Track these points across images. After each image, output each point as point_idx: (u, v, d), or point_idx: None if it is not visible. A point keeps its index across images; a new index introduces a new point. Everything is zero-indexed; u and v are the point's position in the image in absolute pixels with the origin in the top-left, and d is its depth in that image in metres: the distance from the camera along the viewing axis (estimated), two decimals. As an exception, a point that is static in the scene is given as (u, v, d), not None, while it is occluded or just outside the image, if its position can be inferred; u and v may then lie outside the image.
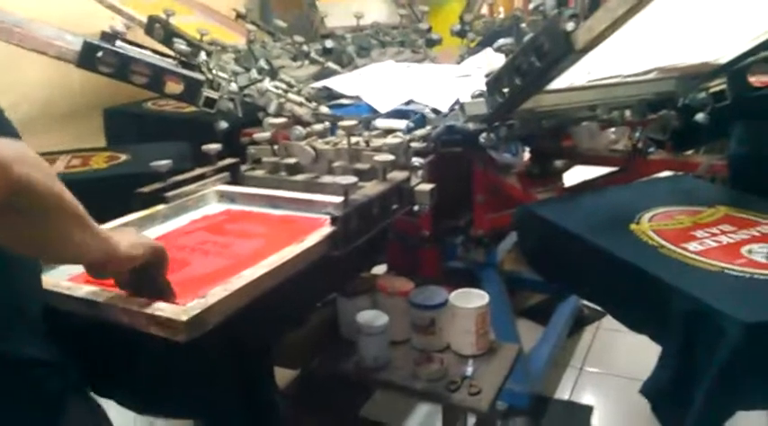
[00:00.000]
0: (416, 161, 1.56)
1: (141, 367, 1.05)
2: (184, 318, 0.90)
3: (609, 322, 2.67)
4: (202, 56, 1.99)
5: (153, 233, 1.37)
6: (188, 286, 1.08)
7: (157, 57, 1.96)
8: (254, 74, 2.03)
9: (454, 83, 2.13)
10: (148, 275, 0.98)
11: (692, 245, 1.27)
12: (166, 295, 0.99)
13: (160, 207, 1.45)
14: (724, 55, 1.62)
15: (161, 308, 0.94)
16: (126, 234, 0.94)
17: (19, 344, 0.85)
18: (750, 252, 1.24)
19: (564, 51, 1.23)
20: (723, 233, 1.32)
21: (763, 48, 1.64)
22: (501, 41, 1.56)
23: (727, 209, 1.43)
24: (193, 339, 0.92)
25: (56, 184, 0.76)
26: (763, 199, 1.47)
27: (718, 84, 1.76)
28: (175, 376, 1.04)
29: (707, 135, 2.01)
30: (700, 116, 1.77)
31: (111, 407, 1.08)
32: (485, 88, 1.55)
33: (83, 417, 0.94)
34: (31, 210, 0.73)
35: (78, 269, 1.14)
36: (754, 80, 1.77)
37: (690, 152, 2.15)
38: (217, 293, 0.98)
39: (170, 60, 1.97)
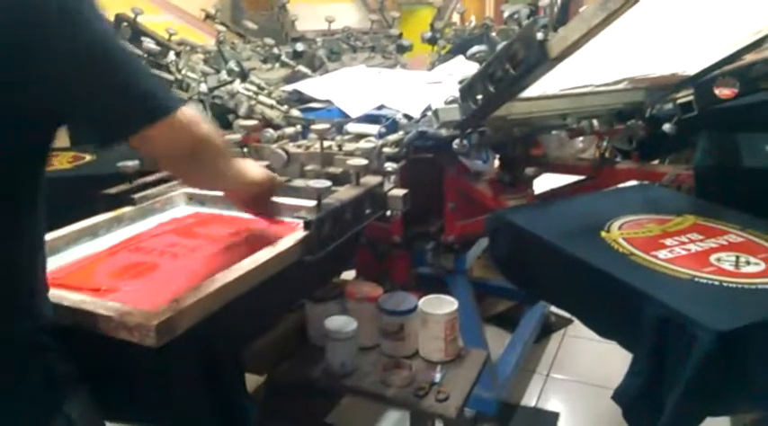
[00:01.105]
0: (389, 166, 1.55)
1: (108, 372, 1.01)
2: (155, 322, 0.89)
3: (575, 329, 2.72)
4: (171, 56, 1.96)
5: (119, 236, 1.34)
6: (157, 290, 1.06)
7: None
8: (223, 75, 2.00)
9: (425, 89, 2.13)
10: (265, 198, 1.27)
11: (662, 253, 1.28)
12: (277, 213, 1.34)
13: (127, 209, 1.42)
14: (692, 67, 1.66)
15: (130, 313, 0.92)
16: (253, 164, 1.25)
17: (28, 329, 0.87)
18: (719, 260, 1.25)
19: (538, 59, 1.23)
20: (692, 241, 1.34)
21: (729, 61, 1.68)
22: (475, 49, 1.57)
23: (696, 218, 1.45)
24: (163, 344, 0.90)
25: (218, 134, 1.03)
26: (730, 208, 1.50)
27: (685, 96, 1.79)
28: (144, 381, 1.02)
29: (673, 145, 2.06)
30: (667, 126, 1.81)
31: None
32: (458, 94, 1.55)
33: (88, 403, 0.94)
34: (212, 153, 1.01)
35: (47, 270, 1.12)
36: (719, 92, 1.81)
37: (656, 162, 2.19)
38: (188, 297, 0.95)
39: (137, 60, 1.93)
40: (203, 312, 0.97)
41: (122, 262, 1.20)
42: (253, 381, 2.10)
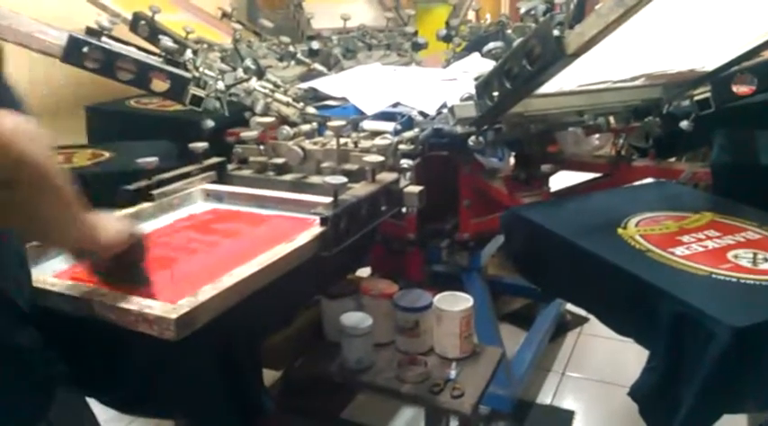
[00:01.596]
0: (405, 163, 1.56)
1: (126, 365, 1.03)
2: (174, 316, 0.89)
3: (591, 327, 2.71)
4: (188, 53, 1.97)
5: (139, 231, 1.36)
6: (176, 284, 1.07)
7: (143, 54, 1.94)
8: (240, 73, 2.01)
9: (441, 86, 2.13)
10: (128, 261, 0.99)
11: (679, 250, 1.28)
12: (143, 282, 1.01)
13: (146, 205, 1.43)
14: (710, 63, 1.65)
15: (150, 306, 0.93)
16: (110, 220, 0.95)
17: (7, 331, 0.85)
18: (736, 257, 1.25)
19: (555, 55, 1.23)
20: (709, 238, 1.33)
21: (746, 58, 1.67)
22: (491, 45, 1.57)
23: (713, 215, 1.44)
24: (182, 337, 0.91)
25: (51, 163, 0.75)
26: (748, 205, 1.49)
27: (703, 92, 1.78)
28: (161, 374, 1.03)
29: (690, 142, 2.04)
30: (684, 123, 1.80)
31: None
32: (474, 91, 1.55)
33: (71, 404, 0.95)
34: (25, 185, 0.72)
35: (64, 265, 1.13)
36: (737, 89, 1.80)
37: (672, 159, 2.18)
38: (207, 291, 0.96)
39: (155, 58, 1.95)
40: (222, 306, 0.98)
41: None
42: (269, 376, 2.12)
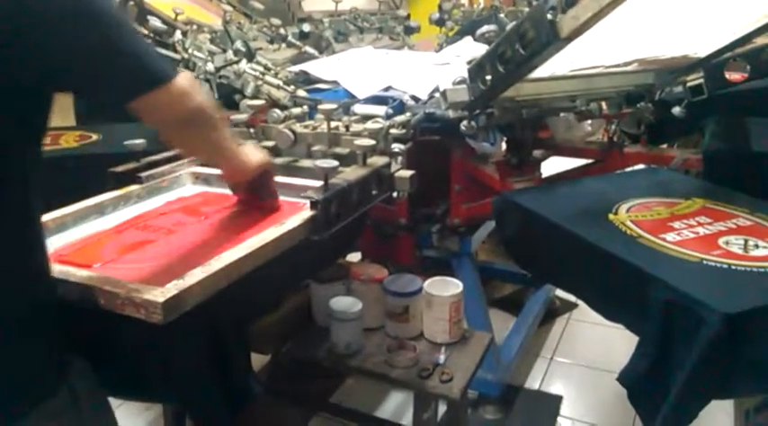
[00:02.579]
0: (396, 147, 1.54)
1: (114, 348, 1.02)
2: (161, 299, 0.88)
3: (580, 313, 2.73)
4: (177, 35, 1.94)
5: (127, 214, 1.34)
6: (164, 268, 1.05)
7: (131, 34, 1.91)
8: (230, 55, 1.98)
9: (433, 70, 2.11)
10: (263, 181, 1.28)
11: (671, 236, 1.28)
12: (273, 196, 1.33)
13: (134, 187, 1.41)
14: (703, 49, 1.64)
15: (137, 289, 0.91)
16: (254, 150, 1.26)
17: (28, 306, 0.87)
18: (727, 243, 1.25)
19: (549, 39, 1.22)
20: (700, 224, 1.33)
21: (739, 44, 1.66)
22: (484, 28, 1.55)
23: (704, 201, 1.44)
24: (170, 321, 0.90)
25: (216, 108, 1.05)
26: (739, 192, 1.49)
27: (696, 79, 1.78)
28: (150, 358, 1.02)
29: (682, 129, 2.04)
30: (676, 109, 1.79)
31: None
32: (466, 75, 1.53)
33: (92, 377, 0.96)
34: (205, 124, 1.03)
35: (51, 248, 1.12)
36: (729, 76, 1.79)
37: (664, 146, 2.18)
38: (195, 274, 0.95)
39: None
40: (210, 289, 0.97)
41: (129, 240, 1.20)
42: (258, 360, 2.12)
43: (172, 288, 0.91)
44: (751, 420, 1.77)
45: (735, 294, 1.07)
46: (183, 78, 0.94)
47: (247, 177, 1.24)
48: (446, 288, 1.64)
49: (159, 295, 0.89)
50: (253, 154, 1.23)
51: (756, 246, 1.23)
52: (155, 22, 1.98)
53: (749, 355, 1.03)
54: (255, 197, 1.32)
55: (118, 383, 1.05)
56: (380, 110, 1.77)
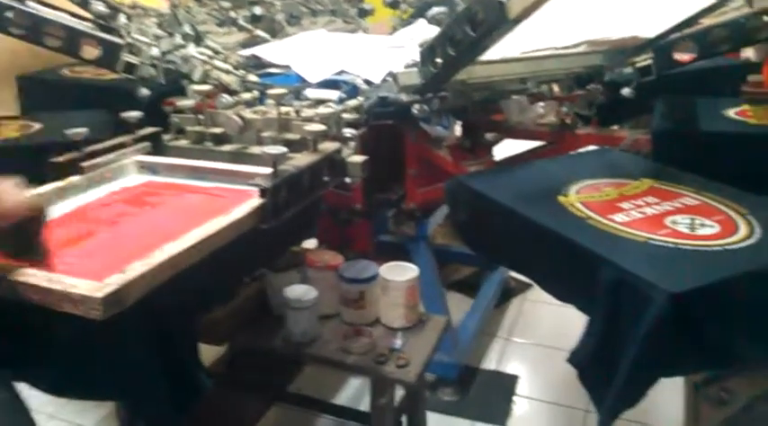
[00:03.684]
0: (348, 132, 1.52)
1: (57, 346, 0.99)
2: (100, 295, 0.86)
3: (534, 293, 2.76)
4: (122, 19, 1.88)
5: (67, 206, 1.30)
6: (106, 261, 1.02)
7: (74, 19, 1.84)
8: (177, 39, 1.93)
9: (387, 54, 2.09)
10: (25, 234, 0.96)
11: (619, 217, 1.29)
12: (41, 256, 0.97)
13: (75, 177, 1.36)
14: (652, 30, 1.65)
15: (75, 285, 0.88)
16: (9, 190, 0.93)
17: None
18: (674, 222, 1.26)
19: (498, 20, 1.21)
20: (648, 204, 1.34)
21: (687, 24, 1.68)
22: (435, 10, 1.53)
23: (653, 182, 1.46)
24: (111, 316, 0.87)
25: None
26: (686, 171, 1.51)
27: (644, 60, 1.79)
28: (93, 355, 0.99)
29: (632, 110, 2.06)
30: (626, 90, 1.81)
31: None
32: (418, 58, 1.52)
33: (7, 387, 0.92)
34: None
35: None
36: (678, 57, 1.81)
37: (615, 127, 2.20)
38: (136, 268, 0.92)
39: (87, 23, 1.85)
40: (152, 283, 0.94)
41: (69, 233, 1.16)
42: (212, 352, 2.10)
43: (112, 283, 0.88)
44: (701, 392, 1.81)
45: (681, 273, 1.09)
46: None
47: None
48: (402, 273, 1.64)
49: (98, 290, 0.86)
50: (9, 195, 0.93)
51: (702, 225, 1.25)
52: (97, 5, 1.91)
53: (695, 333, 1.05)
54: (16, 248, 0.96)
55: (59, 382, 1.02)
56: (333, 94, 1.74)
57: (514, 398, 2.24)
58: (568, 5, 1.27)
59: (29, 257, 0.96)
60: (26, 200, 0.95)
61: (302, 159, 1.35)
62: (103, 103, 1.96)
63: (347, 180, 1.50)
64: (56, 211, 1.27)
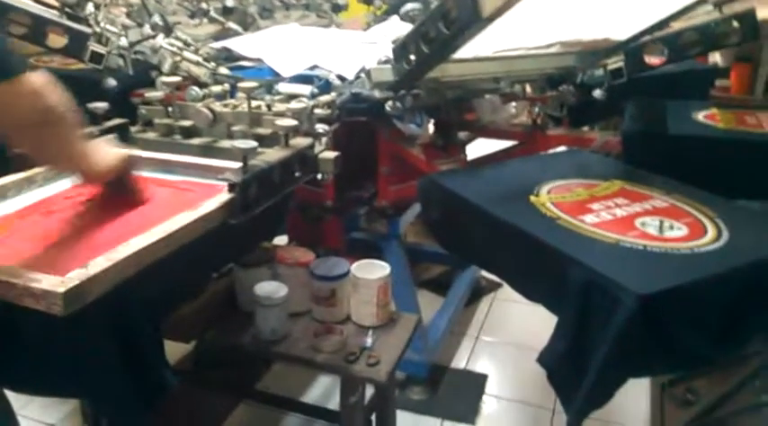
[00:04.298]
0: (321, 128, 1.51)
1: (17, 341, 0.96)
2: (62, 290, 0.83)
3: (505, 293, 2.78)
4: (90, 8, 1.83)
5: (30, 198, 1.27)
6: (69, 256, 0.99)
7: (39, 7, 1.79)
8: (146, 29, 1.89)
9: (360, 49, 2.08)
10: (123, 180, 1.22)
11: (589, 218, 1.29)
12: (136, 193, 1.24)
13: (38, 170, 1.33)
14: (623, 32, 1.66)
15: (36, 279, 0.86)
16: (105, 147, 1.18)
17: None
18: (643, 224, 1.27)
19: (471, 18, 1.20)
20: (618, 206, 1.35)
21: (658, 28, 1.70)
22: (408, 6, 1.52)
23: (623, 183, 1.47)
24: (73, 312, 0.85)
25: (67, 109, 0.98)
26: (656, 173, 1.53)
27: (616, 62, 1.81)
28: (54, 351, 0.96)
29: (602, 111, 2.08)
30: (597, 92, 1.82)
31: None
32: (391, 55, 1.51)
33: None
34: (54, 128, 0.97)
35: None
36: (648, 59, 1.83)
37: (585, 128, 2.22)
38: (99, 263, 0.90)
39: (54, 12, 1.81)
40: (116, 278, 0.92)
41: (32, 226, 1.13)
42: (180, 349, 2.07)
43: (74, 278, 0.86)
44: (666, 392, 1.84)
45: (649, 275, 1.09)
46: (34, 77, 0.90)
47: (103, 180, 1.19)
48: (373, 270, 1.63)
49: (60, 285, 0.84)
50: (107, 154, 1.17)
51: (671, 227, 1.26)
52: (65, -7, 1.86)
53: (663, 335, 1.05)
54: (118, 192, 1.24)
55: (20, 378, 0.99)
56: (305, 89, 1.72)
57: (484, 397, 2.25)
58: (541, 6, 1.26)
59: (129, 193, 1.23)
60: (120, 155, 1.20)
61: (273, 154, 1.34)
62: (71, 94, 1.91)
63: (319, 176, 1.48)
64: (18, 203, 1.24)
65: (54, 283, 0.85)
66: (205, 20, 2.35)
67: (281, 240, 2.30)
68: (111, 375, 0.98)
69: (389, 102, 1.62)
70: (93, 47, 1.67)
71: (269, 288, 1.58)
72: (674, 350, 1.07)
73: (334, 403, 2.04)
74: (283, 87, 1.74)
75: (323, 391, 2.21)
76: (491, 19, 1.19)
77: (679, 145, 1.67)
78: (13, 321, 0.94)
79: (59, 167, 1.25)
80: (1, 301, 0.88)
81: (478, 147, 2.15)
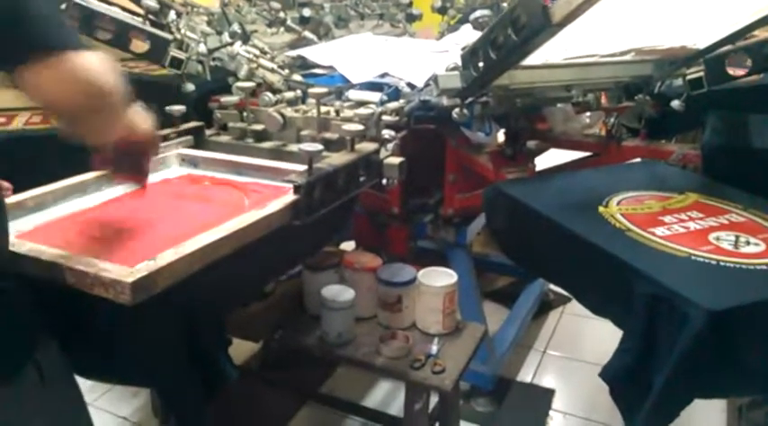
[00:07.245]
0: (387, 133, 1.52)
1: (86, 329, 1.01)
2: (130, 280, 0.87)
3: (573, 307, 2.70)
4: (172, 15, 1.91)
5: (108, 194, 1.33)
6: (140, 248, 1.04)
7: (125, 14, 1.89)
8: (225, 37, 1.96)
9: (431, 58, 2.08)
10: (139, 155, 1.15)
11: (660, 230, 1.25)
12: (143, 175, 1.19)
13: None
14: (702, 40, 1.60)
15: (107, 269, 0.90)
16: (143, 116, 1.11)
17: None
18: (718, 239, 1.22)
19: (541, 24, 1.18)
20: (692, 219, 1.30)
21: (739, 36, 1.62)
22: (478, 13, 1.52)
23: (698, 196, 1.41)
24: (140, 303, 0.88)
25: (120, 89, 0.90)
26: (734, 188, 1.46)
27: (695, 72, 1.74)
28: (122, 341, 1.01)
29: (681, 123, 2.00)
30: (675, 103, 1.75)
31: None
32: (460, 62, 1.51)
33: (59, 355, 0.94)
34: (104, 110, 0.89)
35: (27, 225, 1.11)
36: (732, 70, 1.75)
37: (662, 141, 2.14)
38: (167, 256, 0.94)
39: (138, 18, 1.90)
40: (183, 271, 0.95)
41: (108, 220, 1.18)
42: (249, 348, 2.11)
43: (142, 269, 0.90)
44: (744, 416, 1.74)
45: (721, 291, 1.05)
46: (92, 54, 0.83)
47: (129, 138, 1.07)
48: (440, 278, 1.62)
49: (128, 275, 0.88)
50: (141, 119, 1.10)
51: (747, 243, 1.21)
52: (148, 1, 1.95)
53: (733, 354, 1.01)
54: (122, 166, 1.17)
55: (89, 364, 1.04)
56: (375, 96, 1.74)
57: (550, 412, 2.19)
58: (614, 12, 1.23)
59: (132, 174, 1.19)
60: (152, 128, 1.12)
61: (338, 158, 1.36)
62: (152, 98, 1.98)
63: (384, 181, 1.49)
64: (96, 199, 1.30)
65: (123, 273, 0.88)
66: (282, 29, 2.41)
67: (349, 245, 2.32)
68: (174, 364, 1.02)
69: (456, 110, 1.61)
70: (174, 52, 1.74)
71: (336, 292, 1.59)
72: (746, 372, 1.02)
73: (395, 409, 2.04)
74: (353, 94, 1.76)
75: (385, 396, 2.21)
76: (561, 25, 1.17)
77: (762, 159, 1.59)
78: (86, 309, 0.98)
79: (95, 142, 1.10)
80: (76, 289, 0.92)
81: (550, 158, 2.11)
